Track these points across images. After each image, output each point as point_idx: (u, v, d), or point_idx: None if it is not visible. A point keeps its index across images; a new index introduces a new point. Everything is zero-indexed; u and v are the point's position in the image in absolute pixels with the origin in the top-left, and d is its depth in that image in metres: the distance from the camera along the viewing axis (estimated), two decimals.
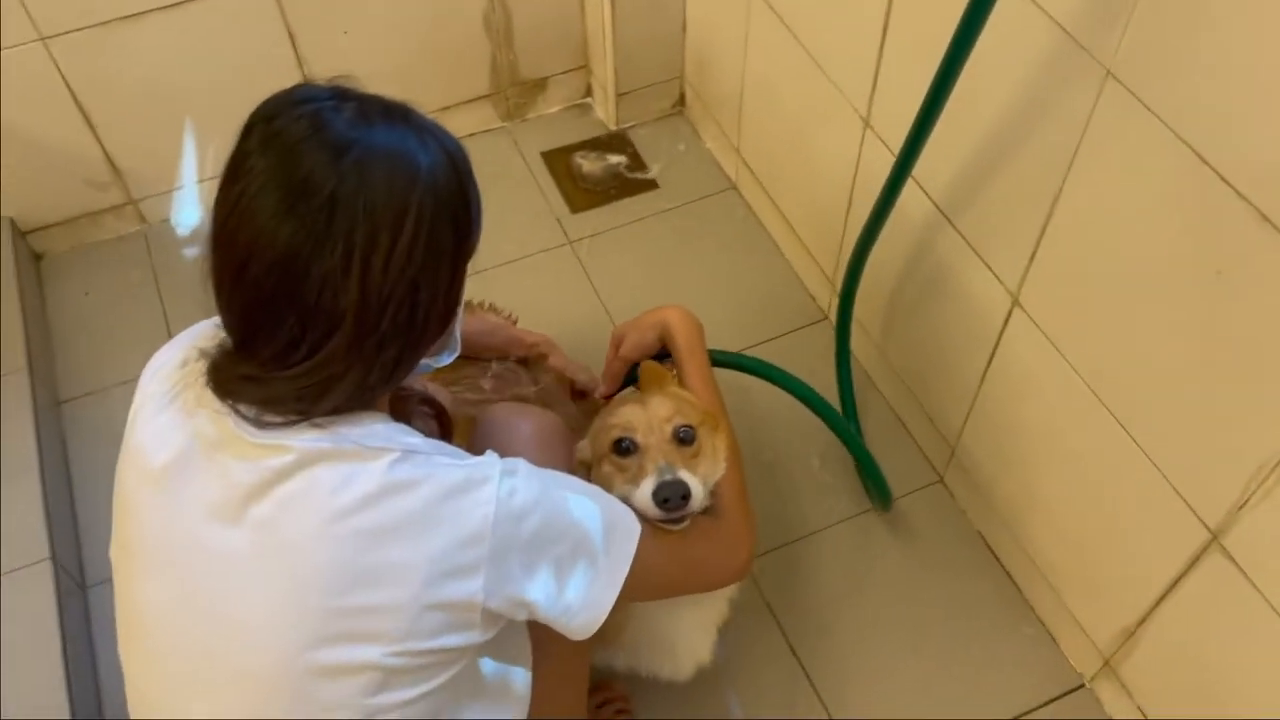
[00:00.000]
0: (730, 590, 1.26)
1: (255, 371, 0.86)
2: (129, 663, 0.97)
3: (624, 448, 1.13)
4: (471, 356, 1.42)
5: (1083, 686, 1.47)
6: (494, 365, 1.43)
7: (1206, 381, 1.06)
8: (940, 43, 1.10)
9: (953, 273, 1.44)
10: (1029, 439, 1.41)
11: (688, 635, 1.28)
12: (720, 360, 1.39)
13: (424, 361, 0.97)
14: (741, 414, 1.67)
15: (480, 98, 2.15)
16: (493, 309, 1.57)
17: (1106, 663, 1.40)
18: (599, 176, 2.15)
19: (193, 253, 2.04)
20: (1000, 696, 1.46)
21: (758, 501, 1.28)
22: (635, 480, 1.09)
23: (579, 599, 0.94)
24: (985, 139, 1.27)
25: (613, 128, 2.21)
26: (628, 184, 2.13)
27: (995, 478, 1.52)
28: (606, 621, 0.97)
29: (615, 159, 2.17)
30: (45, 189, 1.93)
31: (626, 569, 0.97)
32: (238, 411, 0.87)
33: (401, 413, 1.01)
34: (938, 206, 1.42)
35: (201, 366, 0.91)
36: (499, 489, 0.89)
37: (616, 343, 1.37)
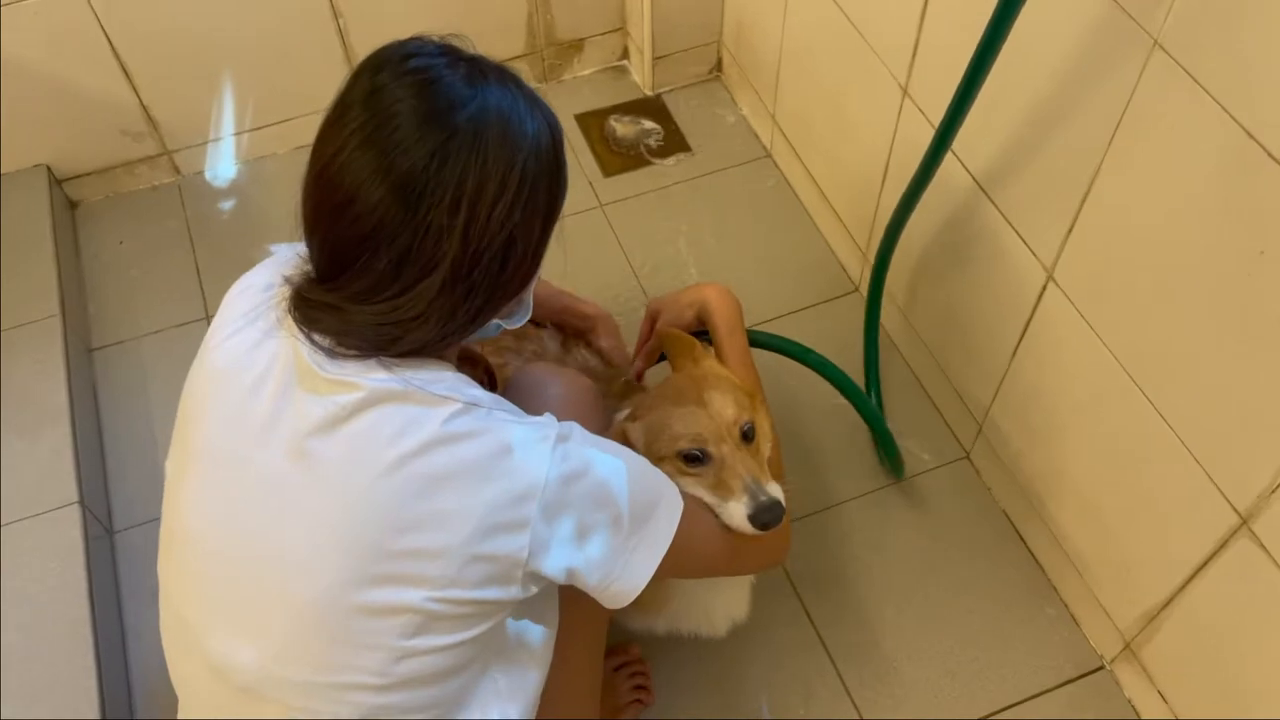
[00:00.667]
0: None
1: (339, 302, 0.88)
2: (166, 578, 0.98)
3: (695, 458, 1.10)
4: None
5: (1102, 668, 1.46)
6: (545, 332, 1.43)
7: (1243, 364, 1.04)
8: (983, 12, 1.08)
9: (986, 246, 1.42)
10: (1059, 416, 1.39)
11: (725, 595, 1.29)
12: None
13: (495, 322, 0.99)
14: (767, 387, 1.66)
15: (516, 57, 2.14)
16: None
17: (1127, 645, 1.39)
18: (632, 141, 2.13)
19: (227, 204, 2.05)
20: (1019, 675, 1.46)
21: None
22: (718, 494, 1.09)
23: (619, 568, 0.95)
24: (1026, 110, 1.24)
25: (648, 92, 2.19)
26: (661, 149, 2.11)
27: (1022, 455, 1.51)
28: (652, 592, 0.97)
29: (649, 123, 2.16)
30: (81, 137, 1.95)
31: (668, 543, 0.97)
32: (313, 341, 0.89)
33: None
34: (974, 178, 1.39)
35: (285, 291, 0.93)
36: (554, 451, 0.90)
37: (652, 317, 1.37)
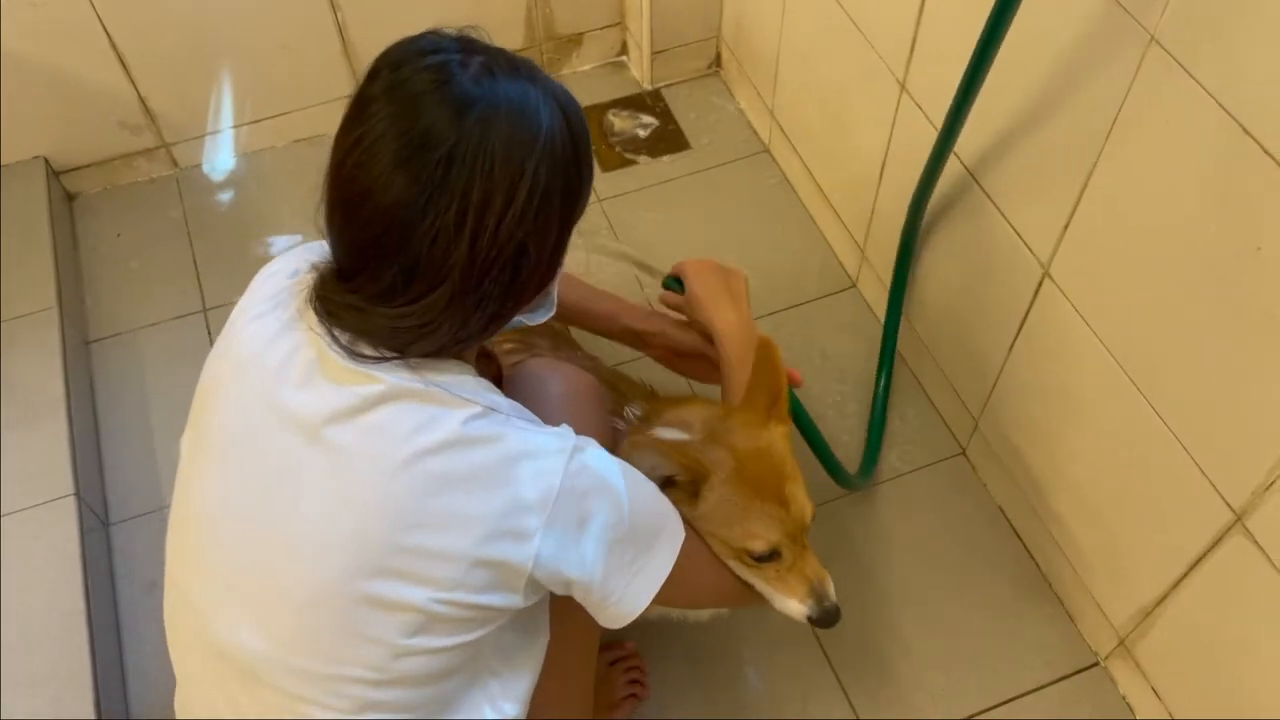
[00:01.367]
0: None
1: (358, 302, 0.87)
2: (175, 560, 0.98)
3: (769, 558, 1.08)
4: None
5: (1097, 665, 1.46)
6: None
7: (1239, 361, 1.04)
8: (981, 8, 1.07)
9: (983, 242, 1.41)
10: (1055, 413, 1.39)
11: None
12: None
13: (518, 318, 0.98)
14: None
15: (515, 51, 2.13)
16: None
17: (1122, 642, 1.39)
18: (631, 136, 2.13)
19: (225, 197, 2.05)
20: (1014, 671, 1.46)
21: None
22: (776, 587, 1.10)
23: (619, 589, 0.95)
24: (1022, 105, 1.24)
25: (647, 87, 2.19)
26: (660, 144, 2.11)
27: (1019, 451, 1.51)
28: None
29: (648, 119, 2.15)
30: (79, 130, 1.95)
31: (668, 572, 0.97)
32: (333, 335, 0.89)
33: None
34: (970, 173, 1.39)
35: (309, 280, 0.92)
36: (568, 463, 0.90)
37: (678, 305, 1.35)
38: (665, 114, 2.16)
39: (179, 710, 1.02)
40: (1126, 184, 1.12)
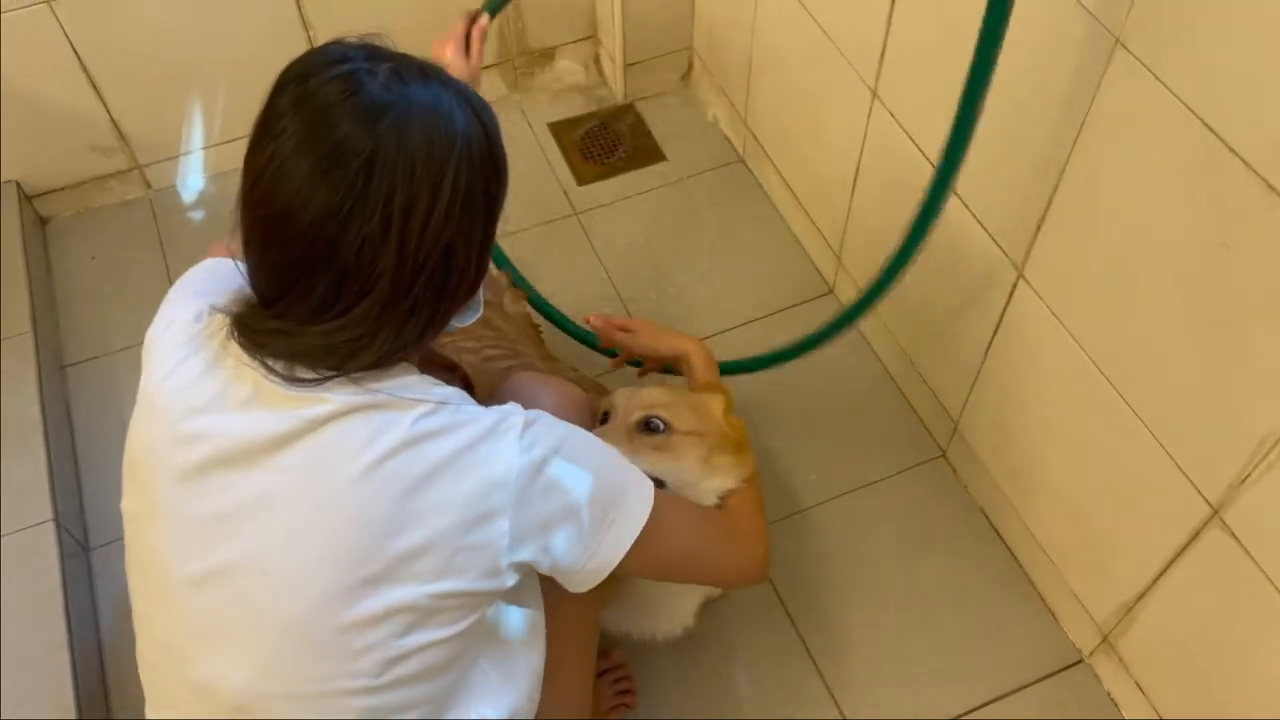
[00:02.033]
0: None
1: (286, 326, 0.86)
2: (143, 607, 0.96)
3: (652, 427, 1.20)
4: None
5: (1081, 662, 1.47)
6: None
7: (1210, 355, 1.06)
8: (950, 14, 1.09)
9: (958, 245, 1.43)
10: (1033, 412, 1.40)
11: (674, 597, 1.31)
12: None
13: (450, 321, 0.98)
14: (740, 381, 1.67)
15: (487, 66, 2.14)
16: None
17: (1105, 638, 1.40)
18: (606, 148, 2.13)
19: (199, 218, 2.04)
20: (999, 671, 1.46)
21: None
22: (675, 458, 1.19)
23: (595, 545, 0.96)
24: (992, 108, 1.24)
25: (621, 99, 2.20)
26: (635, 156, 2.12)
27: (998, 452, 1.52)
28: (619, 586, 0.98)
29: (623, 129, 2.16)
30: (51, 153, 1.93)
31: (643, 521, 0.98)
32: (266, 365, 0.87)
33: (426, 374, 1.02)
34: None
35: (221, 320, 0.91)
36: (521, 438, 0.91)
37: (623, 326, 1.39)
38: (640, 126, 2.17)
39: None
40: (1097, 184, 1.14)
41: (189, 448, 0.89)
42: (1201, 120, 0.96)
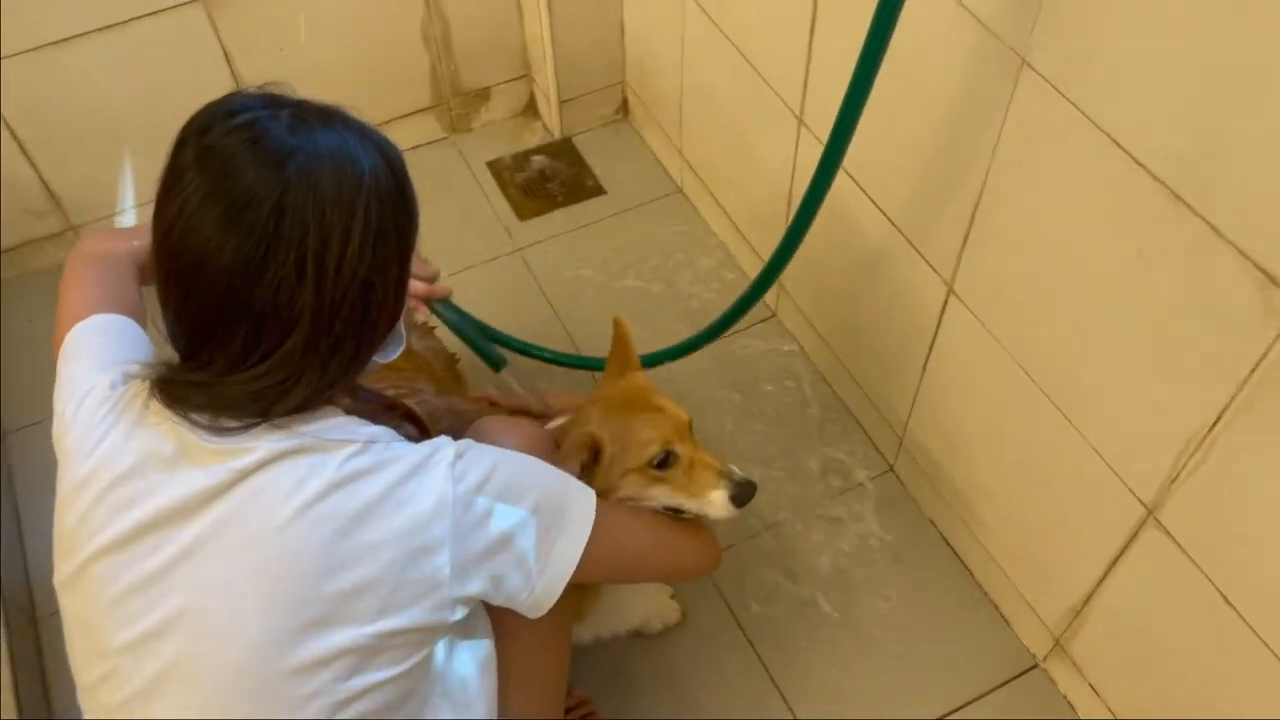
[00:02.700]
0: None
1: (207, 378, 0.86)
2: (84, 672, 0.95)
3: (668, 462, 1.15)
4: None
5: (1036, 667, 1.49)
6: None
7: (1133, 359, 1.09)
8: (863, 39, 1.11)
9: (890, 264, 1.46)
10: (972, 424, 1.43)
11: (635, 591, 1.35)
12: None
13: (372, 359, 0.98)
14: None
15: (423, 110, 2.15)
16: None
17: (1057, 642, 1.43)
18: (545, 184, 2.15)
19: None
20: (957, 680, 1.48)
21: None
22: (692, 491, 1.15)
23: (541, 565, 0.96)
24: (912, 130, 1.29)
25: (557, 135, 2.22)
26: (574, 190, 2.14)
27: (943, 464, 1.54)
28: (578, 599, 0.98)
29: (560, 166, 2.18)
30: None
31: (587, 532, 0.99)
32: (190, 420, 0.87)
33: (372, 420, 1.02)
34: (871, 199, 1.44)
35: (140, 385, 0.91)
36: (453, 469, 0.91)
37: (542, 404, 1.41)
38: (578, 160, 2.19)
39: None
40: (1015, 199, 1.17)
41: (118, 516, 0.89)
42: (1108, 135, 1.00)
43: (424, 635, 0.92)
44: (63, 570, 0.95)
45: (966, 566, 1.59)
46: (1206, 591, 1.10)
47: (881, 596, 1.57)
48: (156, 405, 0.89)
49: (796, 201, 1.65)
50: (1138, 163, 0.97)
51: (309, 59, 1.93)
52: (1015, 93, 1.09)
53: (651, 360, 1.65)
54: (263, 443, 0.87)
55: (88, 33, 1.74)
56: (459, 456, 0.93)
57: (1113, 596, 1.28)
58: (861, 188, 1.45)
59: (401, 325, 1.00)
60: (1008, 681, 1.48)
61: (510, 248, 2.04)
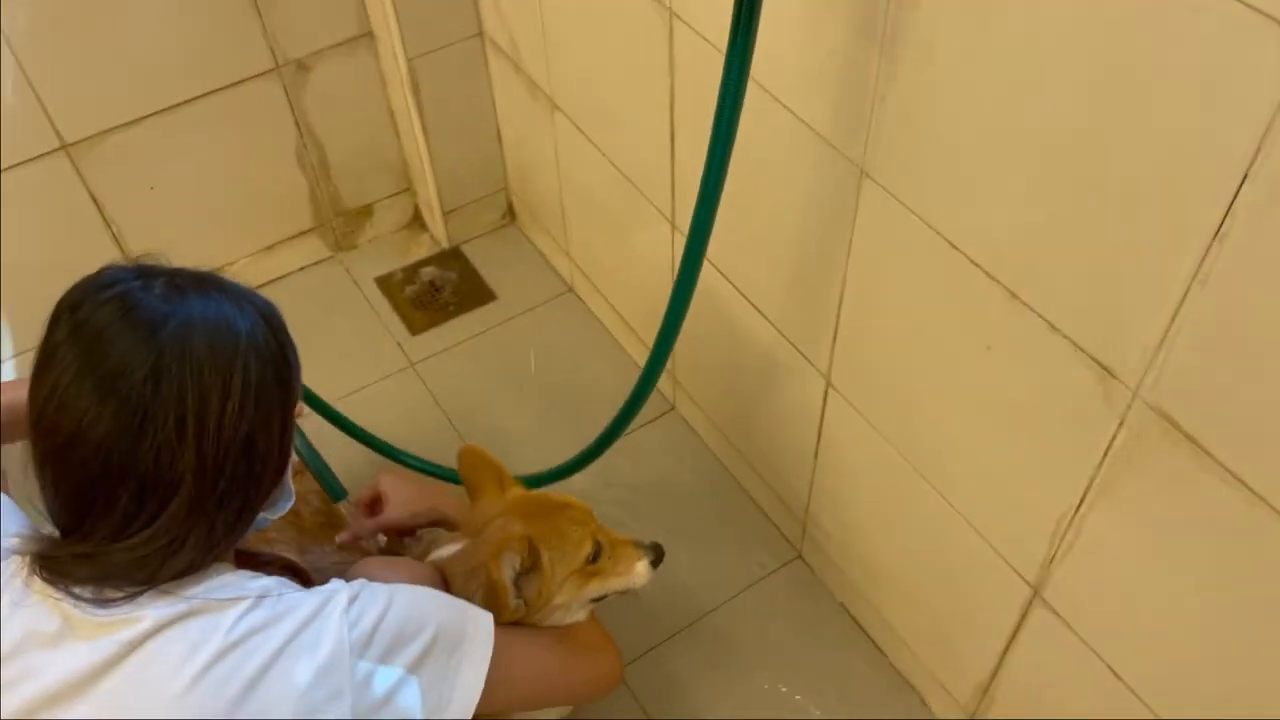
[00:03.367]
0: None
1: (91, 549, 0.84)
2: None
3: (599, 555, 1.21)
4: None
5: None
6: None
7: (998, 448, 1.11)
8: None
9: (772, 359, 1.48)
10: (865, 509, 1.45)
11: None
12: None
13: (261, 515, 0.97)
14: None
15: (305, 232, 2.13)
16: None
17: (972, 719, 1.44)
18: (435, 295, 2.15)
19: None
20: None
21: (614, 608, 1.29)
22: (624, 570, 1.23)
23: (447, 691, 0.96)
24: (771, 234, 1.32)
25: (445, 245, 2.23)
26: (466, 298, 2.14)
27: (844, 549, 1.56)
28: None
29: (450, 276, 2.18)
30: None
31: (489, 654, 0.99)
32: (73, 594, 0.85)
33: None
34: (748, 299, 1.46)
35: (18, 561, 0.88)
36: (348, 611, 0.91)
37: (372, 500, 1.37)
38: (468, 269, 2.19)
39: None
40: (875, 296, 1.20)
41: (3, 699, 0.86)
42: (944, 238, 1.03)
43: None
44: None
45: (879, 647, 1.59)
46: (1095, 665, 1.12)
47: (800, 685, 1.56)
48: (38, 583, 0.87)
49: None
50: (974, 263, 1.01)
51: (181, 194, 1.90)
52: (860, 199, 1.12)
53: (547, 479, 1.64)
54: (149, 611, 0.85)
55: None
56: (352, 600, 0.92)
57: (1016, 673, 1.29)
58: (738, 289, 1.47)
59: (289, 479, 1.00)
60: None
61: (403, 363, 2.03)
